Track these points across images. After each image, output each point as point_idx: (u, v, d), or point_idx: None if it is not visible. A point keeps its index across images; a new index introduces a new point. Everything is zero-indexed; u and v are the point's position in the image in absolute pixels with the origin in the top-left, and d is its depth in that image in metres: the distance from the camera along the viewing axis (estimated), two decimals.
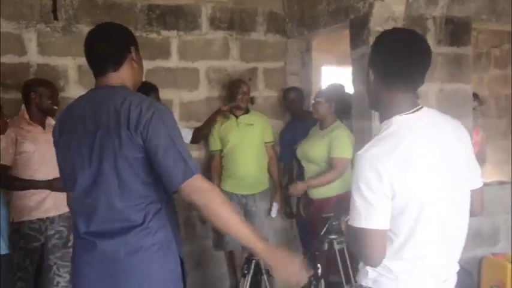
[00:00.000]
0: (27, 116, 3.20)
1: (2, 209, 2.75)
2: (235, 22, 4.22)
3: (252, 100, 4.12)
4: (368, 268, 1.68)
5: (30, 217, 3.14)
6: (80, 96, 2.00)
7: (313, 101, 3.66)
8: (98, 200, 1.87)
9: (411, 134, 1.59)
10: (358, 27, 3.53)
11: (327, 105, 3.54)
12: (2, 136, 2.99)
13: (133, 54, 1.92)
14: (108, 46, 1.90)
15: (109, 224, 1.88)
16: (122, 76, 1.90)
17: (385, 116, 1.66)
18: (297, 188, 3.56)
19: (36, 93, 3.18)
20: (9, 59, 3.58)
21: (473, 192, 1.71)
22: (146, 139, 1.78)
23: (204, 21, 4.12)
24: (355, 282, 1.89)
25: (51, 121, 3.23)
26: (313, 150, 3.58)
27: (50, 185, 3.11)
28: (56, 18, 3.69)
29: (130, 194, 1.86)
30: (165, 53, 3.98)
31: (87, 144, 1.86)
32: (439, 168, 1.62)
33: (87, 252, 1.91)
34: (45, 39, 3.69)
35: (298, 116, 4.18)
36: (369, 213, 1.56)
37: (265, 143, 4.01)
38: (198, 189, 1.79)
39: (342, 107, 3.66)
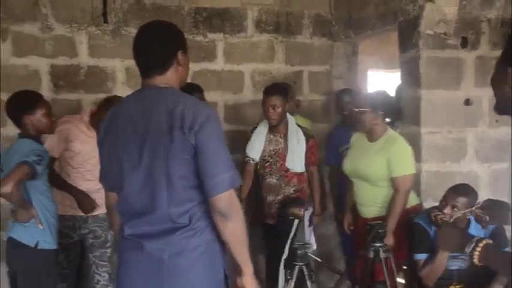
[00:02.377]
0: (87, 119, 3.25)
1: (51, 204, 2.82)
2: (281, 25, 4.22)
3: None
4: None
5: (64, 212, 3.19)
6: (126, 97, 2.02)
7: (356, 110, 3.27)
8: (146, 201, 1.88)
9: None
10: (407, 30, 3.48)
11: (372, 115, 3.18)
12: (56, 130, 3.09)
13: (179, 58, 1.91)
14: (155, 51, 1.90)
15: (155, 226, 1.89)
16: (168, 78, 1.91)
17: None
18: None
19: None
20: (61, 60, 3.71)
21: None
22: (198, 141, 1.79)
23: (249, 24, 4.14)
24: None
25: None
26: (369, 168, 3.20)
27: (81, 201, 3.17)
28: (106, 21, 3.78)
29: (178, 195, 1.86)
30: (211, 56, 4.01)
31: (136, 145, 1.87)
32: None
33: (132, 253, 1.92)
34: (95, 42, 3.79)
35: (350, 120, 3.81)
36: None
37: None
38: (234, 201, 1.84)
39: (389, 113, 3.37)
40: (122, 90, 3.76)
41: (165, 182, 1.85)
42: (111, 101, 3.23)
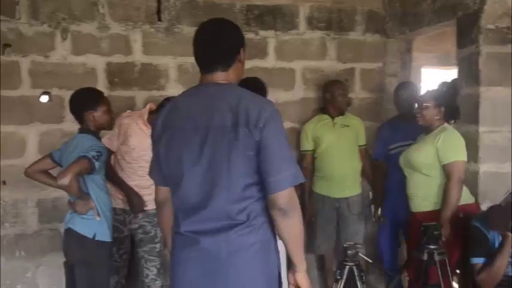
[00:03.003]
0: (146, 116, 3.32)
1: (107, 198, 2.88)
2: (333, 22, 4.16)
3: (349, 102, 4.02)
4: None
5: (115, 205, 3.23)
6: (184, 92, 2.01)
7: (417, 105, 3.29)
8: (204, 198, 1.87)
9: None
10: (466, 25, 3.34)
11: (435, 111, 3.18)
12: (116, 124, 3.21)
13: (241, 55, 1.93)
14: (220, 49, 1.90)
15: (213, 222, 1.88)
16: (229, 75, 1.91)
17: None
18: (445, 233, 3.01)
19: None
20: (117, 58, 3.76)
21: None
22: (263, 137, 1.79)
23: (301, 21, 4.09)
24: None
25: None
26: (417, 155, 3.22)
27: (132, 200, 3.24)
28: (159, 19, 3.81)
29: (237, 192, 1.86)
30: (262, 53, 3.98)
31: (197, 141, 1.86)
32: None
33: (188, 250, 1.92)
34: (149, 40, 3.83)
35: (405, 117, 3.76)
36: None
37: (359, 146, 3.92)
38: (294, 198, 1.83)
39: (453, 110, 3.32)
40: (174, 88, 3.82)
41: (226, 178, 1.85)
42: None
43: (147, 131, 3.22)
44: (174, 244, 2.00)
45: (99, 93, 2.99)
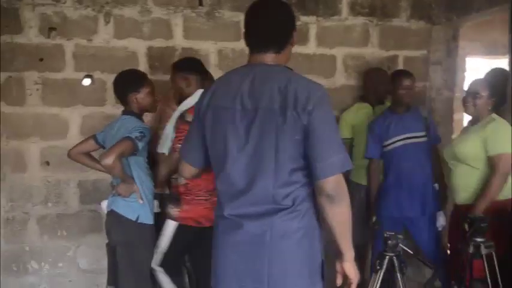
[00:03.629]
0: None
1: (150, 181, 2.87)
2: (376, 7, 4.02)
3: (389, 91, 3.84)
4: None
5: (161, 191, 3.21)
6: (232, 71, 1.95)
7: (468, 94, 3.09)
8: (250, 181, 1.84)
9: None
10: None
11: (489, 101, 3.02)
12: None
13: (293, 39, 1.90)
14: (276, 30, 1.86)
15: (258, 206, 1.85)
16: (280, 57, 1.87)
17: None
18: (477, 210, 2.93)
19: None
20: (158, 42, 3.74)
21: None
22: (311, 121, 1.75)
23: (344, 7, 3.97)
24: None
25: None
26: (463, 145, 3.09)
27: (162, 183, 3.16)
28: (201, 3, 3.77)
29: (284, 177, 1.82)
30: (303, 39, 3.87)
31: (245, 122, 1.82)
32: None
33: (233, 234, 1.90)
34: (190, 24, 3.79)
35: (395, 108, 3.53)
36: None
37: None
38: (343, 185, 1.78)
39: (502, 99, 3.14)
40: (214, 72, 3.70)
41: (273, 162, 1.81)
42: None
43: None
44: (216, 228, 1.97)
45: (143, 75, 2.97)
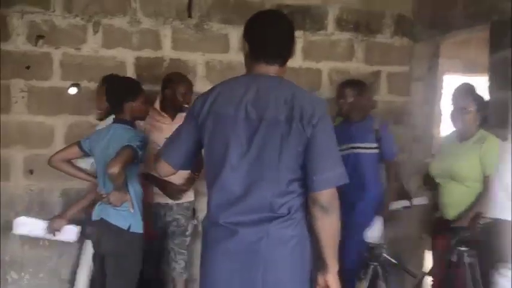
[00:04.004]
0: (158, 106, 3.35)
1: (140, 190, 2.85)
2: (361, 24, 4.13)
3: (372, 105, 3.92)
4: None
5: (153, 200, 3.27)
6: (233, 80, 1.98)
7: (456, 108, 3.13)
8: (249, 189, 1.85)
9: None
10: (501, 30, 3.29)
11: (475, 117, 3.05)
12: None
13: (293, 51, 1.98)
14: (285, 44, 1.92)
15: (255, 214, 1.87)
16: (282, 70, 1.93)
17: None
18: (465, 222, 2.97)
19: (171, 89, 3.32)
20: (146, 53, 3.77)
21: None
22: (315, 133, 1.80)
23: (330, 22, 4.06)
24: None
25: (183, 115, 3.30)
26: (461, 165, 3.05)
27: (167, 189, 3.27)
28: (190, 15, 3.81)
29: (282, 186, 1.85)
30: None
31: (247, 130, 1.85)
32: None
33: (226, 241, 1.90)
34: (179, 35, 3.82)
35: (350, 118, 3.58)
36: None
37: None
38: (336, 198, 1.82)
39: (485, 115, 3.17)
40: (202, 84, 3.79)
41: (273, 172, 1.84)
42: (171, 79, 3.38)
43: (164, 120, 3.33)
44: (209, 235, 1.97)
45: (138, 83, 2.97)
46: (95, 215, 2.83)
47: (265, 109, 1.86)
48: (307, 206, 1.87)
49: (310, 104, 1.85)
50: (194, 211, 3.58)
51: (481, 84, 3.56)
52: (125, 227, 2.74)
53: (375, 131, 3.42)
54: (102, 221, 2.78)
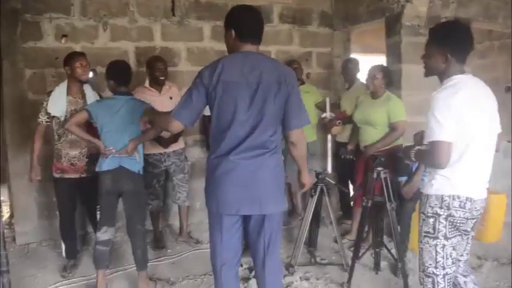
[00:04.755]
0: (147, 84, 4.02)
1: (141, 145, 3.30)
2: (297, 18, 5.07)
3: (307, 75, 5.01)
4: (433, 181, 2.22)
5: (153, 151, 3.99)
6: (231, 56, 2.29)
7: (369, 76, 3.85)
8: (250, 133, 2.23)
9: (466, 86, 2.17)
10: (392, 23, 4.36)
11: (382, 81, 3.81)
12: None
13: None
14: (262, 29, 2.36)
15: (254, 151, 2.25)
16: (259, 48, 2.36)
17: (444, 77, 2.24)
18: (371, 150, 3.79)
19: (150, 68, 3.98)
20: (143, 44, 4.57)
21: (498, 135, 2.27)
22: (292, 90, 2.27)
23: (275, 17, 4.99)
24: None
25: (167, 87, 4.05)
26: (375, 116, 3.81)
27: (160, 141, 3.92)
28: (173, 14, 4.61)
29: (272, 129, 2.27)
30: None
31: (249, 91, 2.20)
32: (484, 112, 2.18)
33: (233, 171, 2.27)
34: (166, 30, 4.62)
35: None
36: (441, 130, 2.08)
37: (317, 102, 4.66)
38: (302, 134, 2.38)
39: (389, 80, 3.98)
40: (185, 65, 4.66)
41: (269, 120, 2.23)
42: (151, 61, 3.95)
43: (152, 93, 3.89)
44: (219, 167, 2.29)
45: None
46: (110, 165, 3.14)
47: (260, 75, 2.18)
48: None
49: (287, 72, 2.26)
50: (185, 156, 4.23)
51: (376, 60, 4.40)
52: (136, 171, 3.22)
53: None
54: (121, 168, 3.16)
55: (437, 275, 2.35)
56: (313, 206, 3.73)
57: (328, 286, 3.56)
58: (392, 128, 3.82)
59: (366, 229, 3.92)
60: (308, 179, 2.59)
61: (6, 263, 2.36)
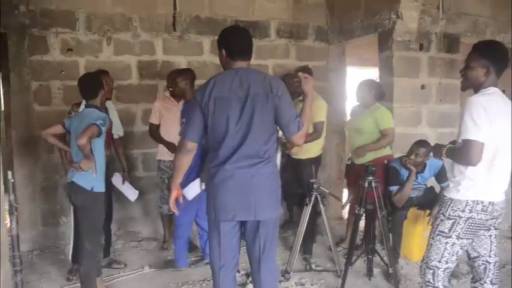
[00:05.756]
0: (167, 94, 4.20)
1: (103, 159, 3.27)
2: (293, 33, 5.21)
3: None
4: (459, 187, 2.38)
5: (164, 158, 4.18)
6: (222, 73, 2.44)
7: (358, 90, 4.10)
8: (242, 143, 2.34)
9: (499, 96, 2.39)
10: (384, 38, 4.49)
11: (368, 93, 4.05)
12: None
13: None
14: (251, 47, 2.48)
15: (248, 160, 2.36)
16: (249, 64, 2.48)
17: (480, 88, 2.40)
18: (361, 152, 3.98)
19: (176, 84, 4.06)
20: (145, 57, 4.72)
21: None
22: (280, 100, 2.35)
23: (272, 32, 5.13)
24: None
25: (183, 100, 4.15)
26: (363, 124, 4.01)
27: (168, 146, 4.06)
28: (174, 29, 4.76)
29: (264, 137, 2.38)
30: None
31: (238, 105, 2.34)
32: (510, 122, 2.37)
33: (229, 179, 2.39)
34: (167, 44, 4.77)
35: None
36: (476, 130, 2.23)
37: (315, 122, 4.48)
38: (302, 136, 2.46)
39: (378, 94, 4.18)
40: None
41: (259, 129, 2.34)
42: (171, 74, 4.04)
43: (172, 103, 4.09)
44: (217, 176, 2.41)
45: (100, 79, 3.39)
46: (68, 178, 3.20)
47: (248, 89, 2.29)
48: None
49: (275, 82, 2.34)
50: None
51: (372, 73, 4.81)
52: (89, 188, 3.11)
53: None
54: (72, 183, 3.15)
55: (439, 268, 2.53)
56: (308, 214, 3.79)
57: None
58: (382, 135, 3.98)
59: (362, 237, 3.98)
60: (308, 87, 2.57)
61: (19, 263, 2.50)
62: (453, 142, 2.58)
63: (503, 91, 2.59)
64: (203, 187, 3.67)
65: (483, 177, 2.40)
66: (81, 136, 2.95)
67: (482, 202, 2.42)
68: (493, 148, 2.35)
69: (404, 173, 3.81)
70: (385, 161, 4.03)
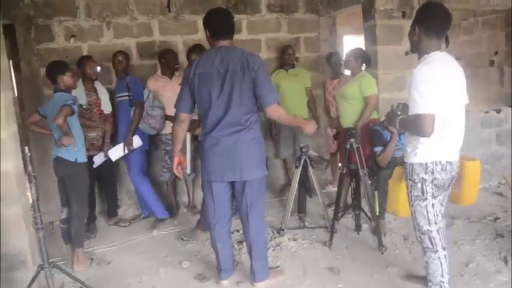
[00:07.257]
0: (159, 72, 4.46)
1: (81, 133, 3.55)
2: (284, 6, 5.33)
3: (296, 59, 5.28)
4: (416, 151, 2.44)
5: (165, 131, 4.44)
6: (207, 51, 2.75)
7: (345, 60, 4.27)
8: (226, 113, 2.60)
9: (442, 62, 2.35)
10: (367, 7, 4.63)
11: (355, 61, 4.16)
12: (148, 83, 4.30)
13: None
14: (232, 27, 2.73)
15: (231, 127, 2.63)
16: (231, 42, 2.74)
17: (422, 53, 2.42)
18: (359, 126, 4.07)
19: (165, 59, 4.42)
20: (143, 39, 4.93)
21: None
22: (256, 74, 2.57)
23: (263, 7, 5.26)
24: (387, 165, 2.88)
25: (177, 74, 4.48)
26: (348, 90, 4.18)
27: (171, 119, 4.18)
28: (169, 11, 4.94)
29: (245, 108, 2.62)
30: (238, 30, 5.07)
31: (220, 80, 2.59)
32: (457, 85, 2.40)
33: (216, 145, 2.69)
34: (163, 25, 4.96)
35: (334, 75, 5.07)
36: (425, 103, 2.25)
37: (306, 88, 5.09)
38: (278, 109, 2.68)
39: (365, 61, 4.30)
40: (183, 56, 4.89)
41: (238, 101, 2.58)
42: (163, 53, 4.37)
43: (165, 80, 4.35)
44: (206, 143, 2.72)
45: (65, 63, 3.57)
46: (53, 155, 3.49)
47: (227, 65, 2.52)
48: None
49: (252, 58, 2.55)
50: None
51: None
52: (73, 160, 3.43)
53: (126, 84, 4.38)
54: (58, 158, 3.46)
55: (431, 231, 2.60)
56: (298, 176, 4.05)
57: (312, 245, 3.96)
58: (365, 102, 4.15)
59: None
60: (309, 128, 2.90)
61: (40, 222, 2.86)
62: (403, 107, 2.69)
63: (458, 59, 2.64)
64: (126, 151, 4.34)
65: (437, 141, 2.45)
66: (57, 117, 3.22)
67: (440, 162, 2.49)
68: (443, 114, 2.37)
69: (387, 134, 3.99)
70: (371, 124, 4.21)
